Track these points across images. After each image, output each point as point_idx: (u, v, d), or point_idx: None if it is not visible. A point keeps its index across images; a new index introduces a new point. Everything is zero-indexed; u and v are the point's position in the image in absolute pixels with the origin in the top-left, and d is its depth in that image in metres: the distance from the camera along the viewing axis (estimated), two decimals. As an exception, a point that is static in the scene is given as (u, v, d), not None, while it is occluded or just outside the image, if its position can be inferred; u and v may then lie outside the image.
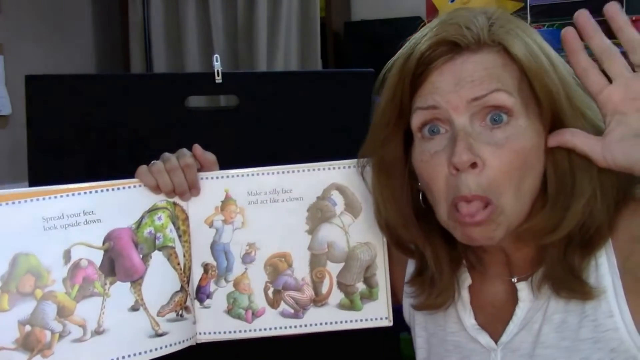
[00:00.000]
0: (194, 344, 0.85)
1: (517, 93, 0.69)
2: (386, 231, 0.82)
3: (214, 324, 0.85)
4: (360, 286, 0.85)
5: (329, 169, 0.86)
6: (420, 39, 0.73)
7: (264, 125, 1.12)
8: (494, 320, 0.80)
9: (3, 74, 2.24)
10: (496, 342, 0.79)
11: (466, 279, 0.82)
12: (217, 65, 1.09)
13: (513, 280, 0.78)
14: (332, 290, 0.85)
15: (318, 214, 0.85)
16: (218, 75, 1.10)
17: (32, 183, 1.05)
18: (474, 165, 0.69)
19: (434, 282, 0.81)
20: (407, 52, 0.74)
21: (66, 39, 2.59)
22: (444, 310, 0.83)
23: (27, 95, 1.07)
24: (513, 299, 0.78)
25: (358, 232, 0.85)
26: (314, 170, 0.86)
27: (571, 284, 0.73)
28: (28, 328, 0.76)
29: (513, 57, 0.70)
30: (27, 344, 0.75)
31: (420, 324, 0.88)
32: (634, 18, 1.93)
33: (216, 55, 1.12)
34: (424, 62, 0.72)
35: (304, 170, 0.86)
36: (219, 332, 0.86)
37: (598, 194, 0.70)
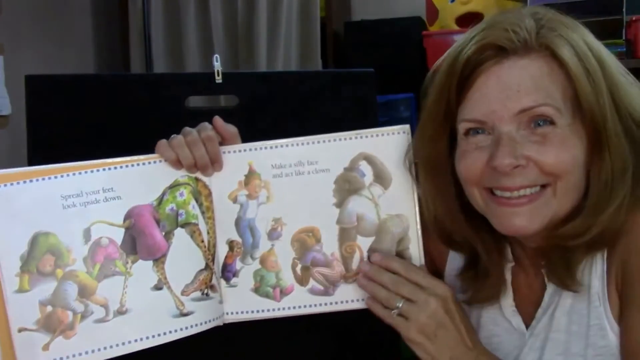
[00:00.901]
0: (221, 324, 0.82)
1: (562, 103, 0.70)
2: (435, 226, 0.82)
3: (241, 303, 0.82)
4: None
5: (356, 137, 0.82)
6: (468, 42, 0.73)
7: (264, 125, 1.12)
8: (527, 303, 0.81)
9: (3, 74, 2.24)
10: (527, 327, 0.80)
11: (509, 260, 0.83)
12: (217, 65, 1.09)
13: (543, 271, 0.79)
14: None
15: (346, 186, 0.82)
16: (218, 75, 1.10)
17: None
18: (518, 167, 0.70)
19: (485, 275, 0.81)
20: (454, 53, 0.74)
21: (66, 39, 2.59)
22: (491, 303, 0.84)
23: (27, 95, 1.07)
24: (544, 286, 0.80)
25: (389, 204, 0.82)
26: (340, 140, 0.82)
27: (562, 271, 0.74)
28: (50, 308, 0.74)
29: (561, 63, 0.69)
30: (48, 324, 0.74)
31: (458, 290, 0.87)
32: (634, 18, 1.93)
33: (216, 55, 1.12)
34: (471, 65, 0.72)
35: (330, 140, 0.82)
36: (247, 312, 0.82)
37: (625, 202, 0.71)
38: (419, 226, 0.82)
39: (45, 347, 0.74)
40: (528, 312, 0.81)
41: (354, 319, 0.87)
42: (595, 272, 0.74)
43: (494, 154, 0.70)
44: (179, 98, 1.12)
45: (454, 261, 0.89)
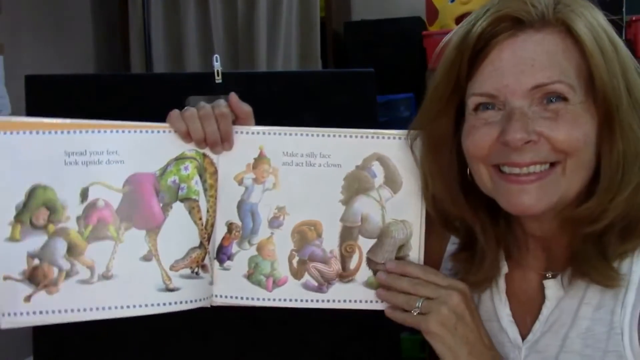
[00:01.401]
0: (208, 305, 0.81)
1: (576, 81, 0.68)
2: (432, 206, 0.80)
3: (231, 287, 0.81)
4: None
5: (373, 137, 0.81)
6: (482, 14, 0.71)
7: (264, 125, 1.12)
8: (524, 312, 0.80)
9: (3, 74, 2.24)
10: (523, 339, 0.79)
11: (503, 267, 0.81)
12: (217, 65, 1.09)
13: (548, 275, 0.78)
14: (361, 267, 0.81)
15: (355, 184, 0.80)
16: (218, 75, 1.10)
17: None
18: (529, 142, 0.69)
19: (481, 258, 0.80)
20: (467, 26, 0.72)
21: (66, 39, 2.59)
22: (479, 294, 0.83)
23: (27, 95, 1.07)
24: (543, 295, 0.78)
25: (395, 208, 0.80)
26: (356, 136, 0.81)
27: (597, 264, 0.72)
28: (36, 262, 0.74)
29: (577, 39, 0.68)
30: (33, 277, 0.74)
31: (448, 272, 0.86)
32: (634, 18, 1.93)
33: (216, 55, 1.12)
34: (485, 38, 0.70)
35: (345, 136, 0.81)
36: (236, 297, 0.81)
37: None
38: (422, 235, 0.81)
39: (27, 299, 0.74)
40: (524, 322, 0.80)
41: (354, 318, 0.87)
42: (620, 299, 0.73)
43: (505, 128, 0.69)
44: (179, 98, 1.12)
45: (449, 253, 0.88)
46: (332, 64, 2.50)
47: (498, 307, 0.81)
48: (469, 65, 0.72)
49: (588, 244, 0.73)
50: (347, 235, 0.81)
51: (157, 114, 1.13)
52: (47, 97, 1.09)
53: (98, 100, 1.12)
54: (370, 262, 0.81)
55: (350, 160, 0.81)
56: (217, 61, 1.09)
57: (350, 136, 0.81)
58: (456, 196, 0.79)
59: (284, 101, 1.15)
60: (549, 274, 0.78)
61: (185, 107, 0.79)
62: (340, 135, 0.81)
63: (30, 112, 1.08)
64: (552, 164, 0.70)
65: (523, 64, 0.68)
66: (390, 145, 0.81)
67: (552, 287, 0.77)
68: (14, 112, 2.24)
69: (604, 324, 0.73)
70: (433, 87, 0.76)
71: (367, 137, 0.81)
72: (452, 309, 0.73)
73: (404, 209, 0.81)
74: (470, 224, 0.80)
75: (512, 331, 0.80)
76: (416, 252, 0.81)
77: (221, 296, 0.81)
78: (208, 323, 0.99)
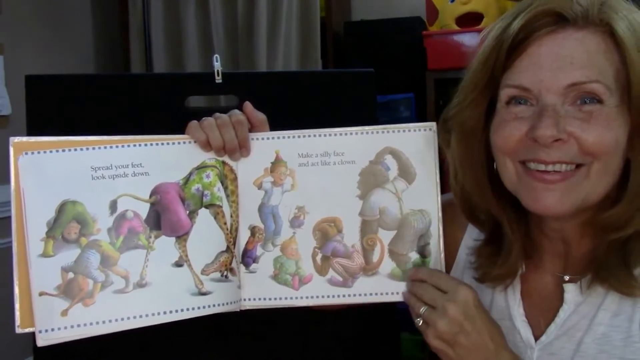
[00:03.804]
0: (238, 310, 0.82)
1: (614, 83, 0.68)
2: (460, 197, 0.81)
3: (259, 289, 0.82)
4: (414, 255, 0.81)
5: (383, 132, 0.83)
6: (525, 7, 0.71)
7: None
8: (538, 314, 0.80)
9: (3, 74, 2.24)
10: (535, 340, 0.79)
11: (520, 267, 0.81)
12: (217, 65, 1.09)
13: (565, 278, 0.78)
14: (384, 259, 0.82)
15: (370, 179, 0.82)
16: (218, 75, 1.10)
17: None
18: (558, 140, 0.68)
19: (507, 251, 0.79)
20: (508, 18, 0.72)
21: (66, 39, 2.59)
22: (492, 293, 0.82)
23: (27, 95, 1.07)
24: (560, 298, 0.78)
25: (412, 199, 0.82)
26: (367, 133, 0.83)
27: (619, 271, 0.72)
28: (71, 275, 0.75)
29: (618, 41, 0.68)
30: (68, 291, 0.75)
31: (470, 267, 0.86)
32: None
33: (216, 55, 1.12)
34: (526, 31, 0.70)
35: (357, 133, 0.83)
36: (264, 299, 0.82)
37: None
38: (440, 222, 0.82)
39: (64, 313, 0.74)
40: (537, 323, 0.79)
41: (355, 318, 0.87)
42: (639, 307, 0.72)
43: (536, 124, 0.68)
44: (179, 98, 1.12)
45: (465, 248, 0.88)
46: (332, 64, 2.50)
47: (512, 306, 0.81)
48: (507, 57, 0.71)
49: (611, 251, 0.72)
50: (367, 228, 0.82)
51: (157, 114, 1.14)
52: (47, 97, 1.09)
53: (98, 100, 1.12)
54: (392, 254, 0.82)
55: (364, 155, 0.83)
56: (217, 61, 1.09)
57: (362, 133, 0.83)
58: (484, 189, 0.79)
59: (284, 101, 1.15)
60: (566, 277, 0.78)
61: (203, 118, 0.82)
62: (352, 133, 0.83)
63: (30, 112, 1.08)
64: (578, 166, 0.70)
65: (561, 61, 0.68)
66: (401, 138, 0.83)
67: (571, 292, 0.77)
68: (14, 112, 2.24)
69: (621, 331, 0.73)
70: (468, 77, 0.76)
71: (378, 132, 0.83)
72: (450, 322, 0.72)
73: (420, 198, 0.82)
74: (497, 217, 0.80)
75: (525, 331, 0.80)
76: (436, 239, 0.81)
77: (250, 299, 0.82)
78: (208, 322, 0.99)
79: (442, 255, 0.81)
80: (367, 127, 0.83)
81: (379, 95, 1.16)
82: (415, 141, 0.82)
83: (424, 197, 0.82)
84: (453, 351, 0.73)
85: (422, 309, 0.74)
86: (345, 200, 0.82)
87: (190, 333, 1.02)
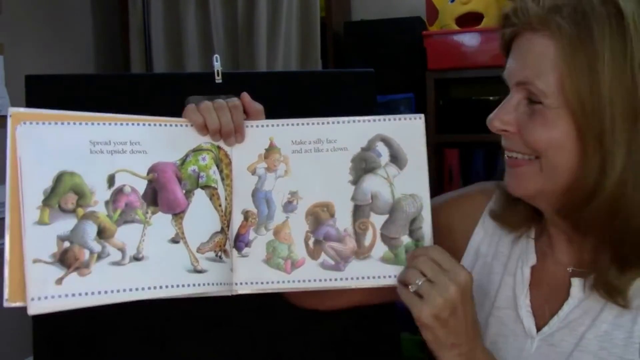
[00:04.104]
0: (230, 294, 0.82)
1: (554, 87, 0.71)
2: None
3: (251, 273, 0.83)
4: (406, 239, 0.82)
5: (375, 121, 0.85)
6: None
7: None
8: (544, 304, 0.81)
9: (3, 74, 2.24)
10: (538, 330, 0.80)
11: (531, 258, 0.84)
12: (217, 65, 1.09)
13: (569, 269, 0.80)
14: (376, 243, 0.82)
15: (362, 165, 0.84)
16: (218, 75, 1.10)
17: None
18: (506, 132, 0.75)
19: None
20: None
21: (66, 39, 2.59)
22: (505, 280, 0.84)
23: (27, 95, 1.07)
24: (568, 290, 0.79)
25: (403, 184, 0.83)
26: (359, 121, 0.86)
27: (613, 281, 0.74)
28: (67, 244, 0.74)
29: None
30: (64, 259, 0.74)
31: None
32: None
33: (216, 55, 1.12)
34: (512, 29, 0.76)
35: (349, 122, 0.86)
36: (257, 283, 0.83)
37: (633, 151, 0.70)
38: (429, 207, 0.83)
39: (59, 282, 0.73)
40: (542, 312, 0.81)
41: (355, 318, 0.87)
42: None
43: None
44: (179, 98, 1.12)
45: (480, 232, 0.90)
46: (332, 64, 2.50)
47: (519, 296, 0.82)
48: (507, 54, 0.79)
49: (607, 255, 0.74)
50: (359, 213, 0.83)
51: (157, 114, 1.14)
52: (47, 97, 1.09)
53: (98, 100, 1.12)
54: (384, 238, 0.82)
55: (356, 142, 0.85)
56: (217, 61, 1.10)
57: (354, 121, 0.86)
58: None
59: (284, 101, 1.15)
60: (569, 269, 0.80)
61: (200, 102, 0.84)
62: (344, 122, 0.86)
63: (30, 112, 1.08)
64: (537, 157, 0.74)
65: (519, 60, 0.75)
66: (392, 126, 0.85)
67: (577, 286, 0.78)
68: (14, 112, 2.24)
69: (624, 330, 0.74)
70: None
71: (369, 121, 0.85)
72: (449, 301, 0.72)
73: (411, 183, 0.83)
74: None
75: (528, 322, 0.81)
76: (428, 223, 0.82)
77: (242, 283, 0.83)
78: (207, 321, 0.99)
79: (432, 238, 0.82)
80: (358, 117, 0.85)
81: (379, 95, 1.16)
82: (405, 129, 0.85)
83: (415, 182, 0.83)
84: (442, 330, 0.73)
85: (420, 281, 0.73)
86: (338, 186, 0.84)
87: (186, 327, 1.02)
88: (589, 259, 0.78)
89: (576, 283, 0.78)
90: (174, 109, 1.11)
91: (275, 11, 2.47)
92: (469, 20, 2.29)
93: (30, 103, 1.07)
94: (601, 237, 0.74)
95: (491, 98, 2.29)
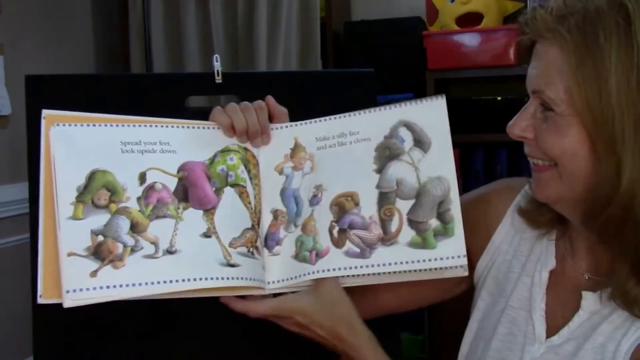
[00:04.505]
0: (262, 292, 0.82)
1: (563, 95, 0.71)
2: None
3: (282, 271, 0.82)
4: (434, 222, 0.80)
5: (395, 107, 0.85)
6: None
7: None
8: (559, 309, 0.81)
9: (3, 74, 2.24)
10: (548, 336, 0.80)
11: (550, 262, 0.83)
12: (217, 65, 1.09)
13: (585, 276, 0.80)
14: (402, 228, 0.80)
15: (386, 152, 0.84)
16: (218, 75, 1.10)
17: (33, 183, 1.05)
18: (525, 139, 0.76)
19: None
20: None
21: (66, 39, 2.59)
22: (522, 280, 0.84)
23: (27, 95, 1.07)
24: (581, 298, 0.79)
25: (428, 167, 0.82)
26: (380, 110, 0.86)
27: (631, 297, 0.73)
28: (100, 238, 0.76)
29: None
30: (98, 252, 0.75)
31: (487, 288, 0.89)
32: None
33: (216, 55, 1.12)
34: (530, 36, 0.77)
35: (370, 111, 0.86)
36: (287, 279, 0.82)
37: None
38: (456, 188, 0.81)
39: (93, 274, 0.74)
40: (555, 318, 0.80)
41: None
42: (636, 325, 0.73)
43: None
44: (179, 98, 1.12)
45: (503, 230, 0.89)
46: (332, 64, 2.50)
47: (535, 298, 0.82)
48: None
49: (624, 265, 0.74)
50: (385, 200, 0.82)
51: (157, 114, 1.14)
52: (47, 97, 1.09)
53: (98, 100, 1.11)
54: (412, 223, 0.81)
55: (378, 131, 0.85)
56: (217, 61, 1.09)
57: (375, 111, 0.86)
58: None
59: (284, 101, 1.15)
60: (586, 276, 0.80)
61: (229, 103, 0.85)
62: (365, 112, 0.86)
63: (30, 112, 1.08)
64: (555, 164, 0.74)
65: (534, 68, 0.75)
66: (413, 110, 0.84)
67: (589, 299, 0.78)
68: (14, 112, 2.24)
69: (615, 343, 0.74)
70: None
71: (390, 108, 0.85)
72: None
73: (437, 165, 0.82)
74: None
75: (540, 327, 0.81)
76: (457, 204, 0.81)
77: (274, 282, 0.82)
78: (207, 321, 0.99)
79: (461, 220, 0.80)
80: (379, 107, 0.86)
81: (379, 95, 1.16)
82: (427, 111, 0.84)
83: (440, 164, 0.82)
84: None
85: None
86: (363, 176, 0.83)
87: (186, 327, 1.03)
88: (607, 268, 0.78)
89: (588, 296, 0.78)
90: (174, 109, 1.12)
91: (275, 11, 2.47)
92: (469, 20, 2.29)
93: (30, 103, 1.07)
94: (620, 246, 0.73)
95: (491, 98, 2.29)
